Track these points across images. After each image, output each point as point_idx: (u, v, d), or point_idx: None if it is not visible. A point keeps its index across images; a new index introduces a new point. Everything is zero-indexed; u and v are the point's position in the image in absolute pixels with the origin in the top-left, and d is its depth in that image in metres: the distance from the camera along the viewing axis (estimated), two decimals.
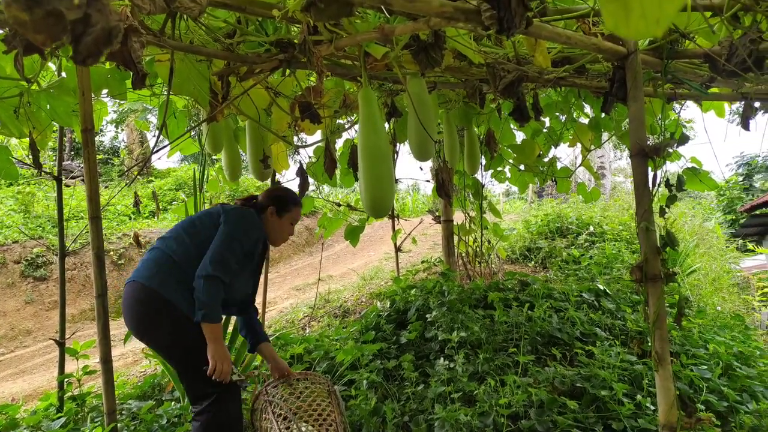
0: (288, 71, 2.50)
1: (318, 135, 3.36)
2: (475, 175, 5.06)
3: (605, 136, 4.33)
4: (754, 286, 8.14)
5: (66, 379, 3.13)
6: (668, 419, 1.61)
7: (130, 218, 10.81)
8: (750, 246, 8.69)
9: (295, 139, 3.26)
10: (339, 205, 4.65)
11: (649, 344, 1.68)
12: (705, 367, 3.26)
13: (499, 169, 5.05)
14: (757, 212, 12.55)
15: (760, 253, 8.15)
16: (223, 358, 2.16)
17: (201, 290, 2.17)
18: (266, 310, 4.45)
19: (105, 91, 2.80)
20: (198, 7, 1.34)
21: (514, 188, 5.38)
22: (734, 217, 17.15)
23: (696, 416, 1.59)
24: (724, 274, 8.07)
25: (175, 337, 2.24)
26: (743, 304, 7.50)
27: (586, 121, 4.26)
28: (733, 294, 7.78)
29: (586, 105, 4.23)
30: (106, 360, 2.53)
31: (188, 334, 2.21)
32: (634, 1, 0.42)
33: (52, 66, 2.83)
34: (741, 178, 22.25)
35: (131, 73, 1.76)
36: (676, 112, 4.11)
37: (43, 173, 3.00)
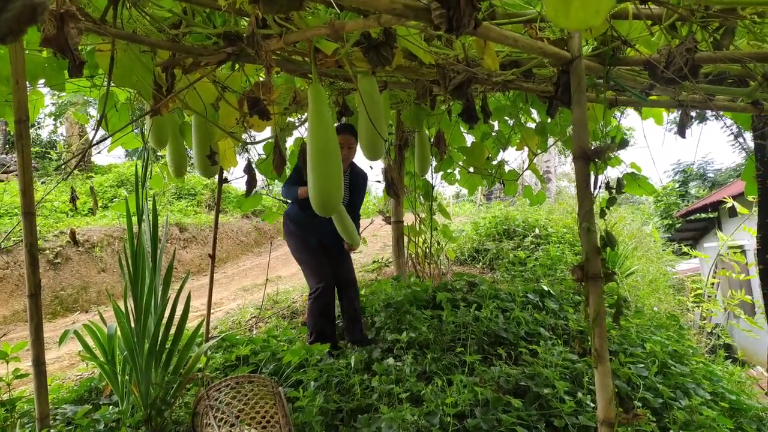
0: (237, 65, 2.45)
1: (268, 132, 3.30)
2: (426, 177, 5.10)
3: (551, 140, 4.44)
4: (688, 287, 8.53)
5: None
6: (607, 415, 1.65)
7: (67, 215, 10.33)
8: (685, 249, 9.10)
9: (244, 135, 3.19)
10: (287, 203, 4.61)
11: (590, 343, 1.72)
12: (642, 365, 3.38)
13: (449, 171, 5.11)
14: (692, 218, 13.16)
15: (695, 257, 8.55)
16: None
17: None
18: (212, 311, 4.34)
19: (42, 81, 2.66)
20: None
21: (464, 191, 5.46)
22: (671, 222, 18.02)
23: (633, 412, 1.64)
24: (660, 276, 8.44)
25: None
26: (678, 304, 7.86)
27: (533, 125, 4.37)
28: (668, 295, 8.16)
29: (533, 110, 4.33)
30: (39, 362, 2.39)
31: None
32: None
33: None
34: (677, 185, 23.40)
35: (68, 65, 1.68)
36: (617, 119, 4.27)
37: None
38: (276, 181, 4.42)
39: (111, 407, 2.93)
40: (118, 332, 2.90)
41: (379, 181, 5.75)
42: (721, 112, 2.92)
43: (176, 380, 2.81)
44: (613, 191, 1.82)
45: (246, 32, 1.83)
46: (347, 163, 3.82)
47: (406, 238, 5.43)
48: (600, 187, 1.77)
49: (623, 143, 1.88)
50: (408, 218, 5.56)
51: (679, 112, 2.65)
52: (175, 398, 2.81)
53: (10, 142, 15.19)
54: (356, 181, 3.94)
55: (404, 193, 5.29)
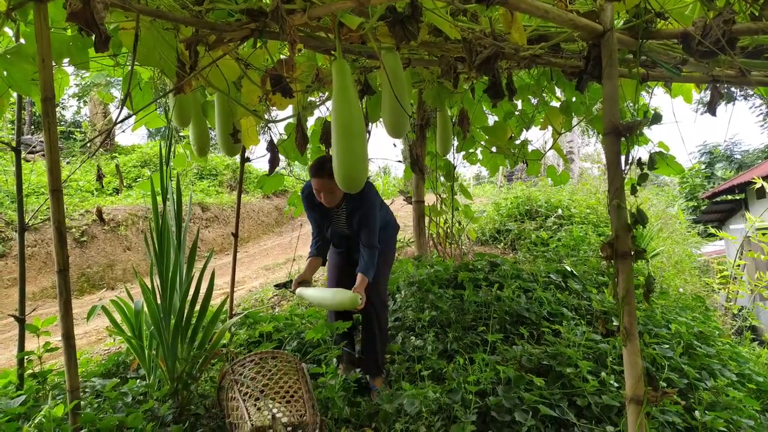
0: (259, 42, 2.43)
1: (289, 111, 3.28)
2: (447, 157, 5.05)
3: (575, 120, 4.36)
4: (714, 269, 8.39)
5: (26, 357, 3.03)
6: (635, 392, 1.64)
7: (92, 194, 10.50)
8: (712, 230, 8.93)
9: (266, 115, 3.18)
10: None
11: (614, 324, 1.70)
12: (667, 346, 3.35)
13: (471, 150, 5.06)
14: (718, 199, 12.87)
15: (721, 239, 8.39)
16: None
17: None
18: (235, 289, 4.39)
19: (66, 60, 2.68)
20: None
21: (485, 173, 5.41)
22: (696, 204, 17.69)
23: (661, 390, 1.63)
24: (686, 258, 8.31)
25: None
26: (704, 286, 7.74)
27: (557, 104, 4.29)
28: (694, 276, 8.03)
29: (557, 88, 4.25)
30: (68, 336, 2.44)
31: None
32: None
33: (9, 32, 2.70)
34: (703, 167, 22.97)
35: (94, 40, 1.69)
36: (645, 99, 4.18)
37: None
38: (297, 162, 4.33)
39: (138, 381, 3.00)
40: (145, 308, 2.94)
41: (399, 161, 5.71)
42: (751, 92, 2.83)
43: (202, 355, 2.85)
44: (645, 167, 1.78)
45: (270, 7, 1.81)
46: (333, 205, 3.05)
47: (427, 218, 5.41)
48: (631, 162, 1.73)
49: (655, 118, 1.83)
50: (429, 199, 5.53)
51: (708, 91, 2.57)
52: (201, 373, 2.86)
53: (36, 123, 15.44)
54: (355, 205, 3.05)
55: (426, 173, 5.26)
